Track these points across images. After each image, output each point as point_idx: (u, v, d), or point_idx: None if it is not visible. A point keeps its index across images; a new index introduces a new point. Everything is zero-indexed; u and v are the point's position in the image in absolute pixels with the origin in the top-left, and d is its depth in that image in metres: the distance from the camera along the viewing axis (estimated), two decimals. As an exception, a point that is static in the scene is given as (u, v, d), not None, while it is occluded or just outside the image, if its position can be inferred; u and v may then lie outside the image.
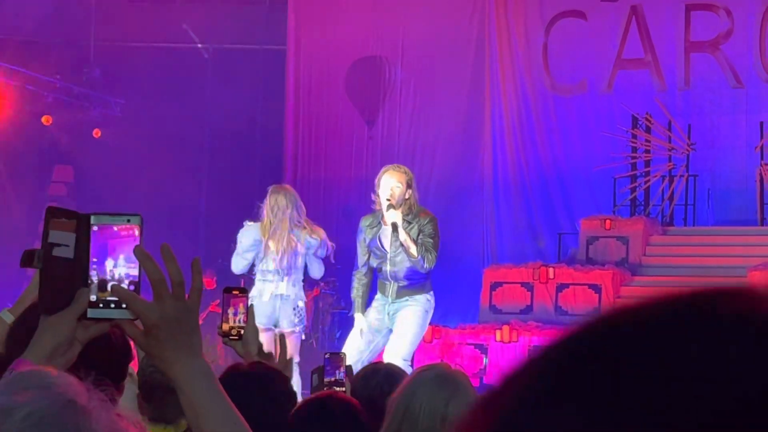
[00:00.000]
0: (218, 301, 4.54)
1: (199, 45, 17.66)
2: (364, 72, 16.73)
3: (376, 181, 9.55)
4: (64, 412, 1.48)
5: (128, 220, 2.04)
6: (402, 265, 9.42)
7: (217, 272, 13.99)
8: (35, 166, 17.11)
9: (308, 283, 15.66)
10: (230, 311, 4.18)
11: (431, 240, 9.42)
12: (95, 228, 2.03)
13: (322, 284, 15.56)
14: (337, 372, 4.87)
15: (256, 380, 3.55)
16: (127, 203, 13.35)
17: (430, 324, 12.62)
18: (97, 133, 16.70)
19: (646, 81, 15.41)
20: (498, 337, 12.25)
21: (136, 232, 2.02)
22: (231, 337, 4.16)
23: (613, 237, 13.46)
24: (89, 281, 2.01)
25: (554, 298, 12.74)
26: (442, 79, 16.32)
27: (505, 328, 12.25)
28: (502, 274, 13.19)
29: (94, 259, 2.02)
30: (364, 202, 15.76)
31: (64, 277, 2.02)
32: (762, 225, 13.80)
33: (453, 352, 12.43)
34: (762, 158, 14.17)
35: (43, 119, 16.34)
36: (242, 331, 4.14)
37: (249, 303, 4.22)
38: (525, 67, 16.02)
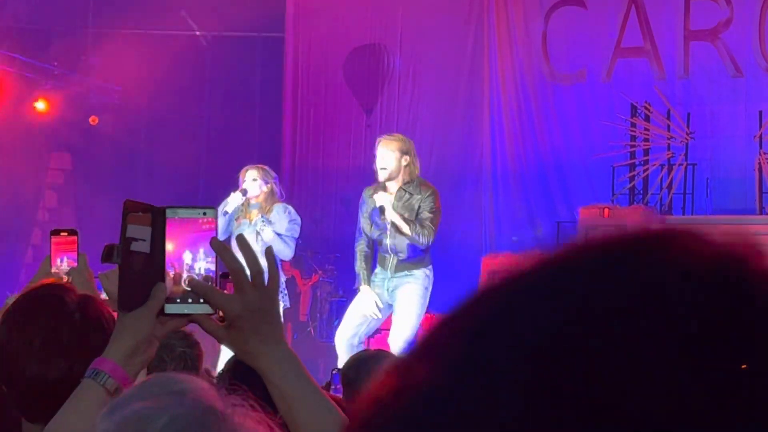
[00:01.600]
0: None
1: (197, 32, 17.61)
2: (363, 60, 16.70)
3: (374, 152, 9.52)
4: (205, 419, 1.45)
5: (204, 213, 2.00)
6: (402, 238, 9.35)
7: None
8: (33, 154, 17.07)
9: (306, 270, 15.67)
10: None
11: (430, 215, 9.32)
12: (171, 222, 1.98)
13: (320, 272, 15.56)
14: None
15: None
16: (125, 190, 13.32)
17: (427, 312, 12.63)
18: (93, 120, 16.65)
19: (646, 70, 15.38)
20: (496, 326, 12.23)
21: (212, 225, 1.99)
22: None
23: (611, 226, 13.41)
24: (166, 276, 1.97)
25: (553, 287, 12.72)
26: (441, 67, 16.28)
27: (504, 316, 12.23)
28: (501, 263, 13.11)
29: (178, 256, 1.98)
30: (361, 189, 15.73)
31: (141, 272, 1.98)
32: (761, 214, 13.78)
33: (451, 340, 12.42)
34: (761, 147, 14.15)
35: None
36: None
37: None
38: (524, 56, 15.99)
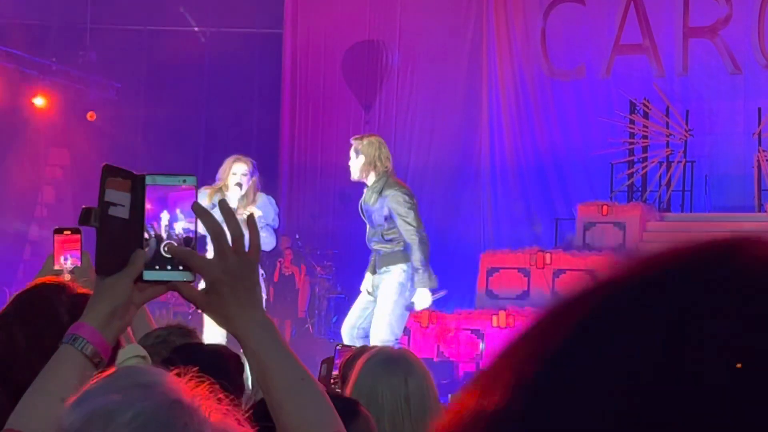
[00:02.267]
0: None
1: (196, 28, 17.60)
2: (361, 56, 16.68)
3: None
4: (171, 413, 1.44)
5: (184, 181, 2.00)
6: (378, 237, 9.55)
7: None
8: (31, 149, 17.05)
9: (308, 268, 15.65)
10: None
11: (411, 212, 9.50)
12: (151, 189, 1.99)
13: (318, 269, 15.54)
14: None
15: None
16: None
17: (426, 310, 12.62)
18: (92, 116, 16.63)
19: (645, 66, 15.37)
20: (494, 323, 12.23)
21: (192, 192, 1.99)
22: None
23: (610, 223, 13.44)
24: (145, 242, 1.98)
25: (551, 284, 12.73)
26: (440, 63, 16.27)
27: (502, 313, 12.24)
28: (499, 260, 13.17)
29: (157, 222, 1.98)
30: (359, 187, 15.74)
31: (119, 238, 1.98)
32: (759, 211, 13.78)
33: (449, 337, 12.42)
34: (760, 144, 14.15)
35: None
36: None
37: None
38: (523, 52, 15.98)
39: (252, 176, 9.49)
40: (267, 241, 9.34)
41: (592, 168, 15.11)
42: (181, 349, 3.56)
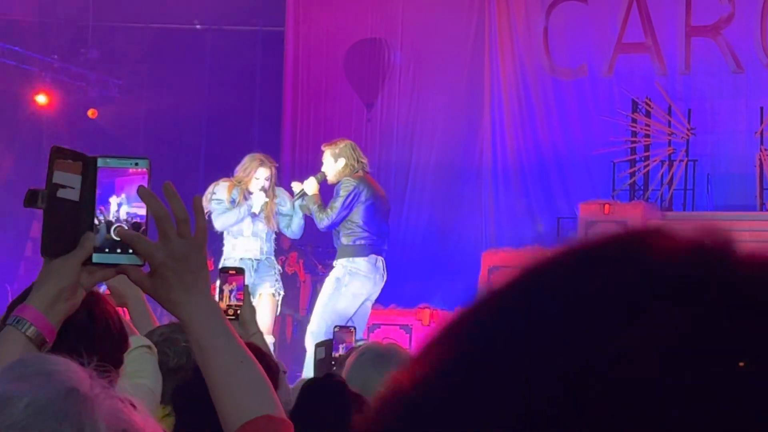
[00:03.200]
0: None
1: (198, 26, 17.59)
2: (363, 54, 16.67)
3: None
4: (66, 401, 1.44)
5: (136, 164, 1.98)
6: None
7: (215, 253, 13.95)
8: (32, 147, 17.04)
9: (308, 265, 15.65)
10: (227, 289, 4.15)
11: (336, 200, 9.80)
12: (102, 171, 1.96)
13: (320, 266, 15.54)
14: (341, 347, 4.81)
15: None
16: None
17: (428, 308, 12.62)
18: (93, 113, 16.63)
19: (647, 65, 15.36)
20: (496, 321, 12.21)
21: (144, 175, 1.97)
22: (228, 317, 4.12)
23: (611, 221, 13.42)
24: (95, 225, 1.95)
25: (553, 283, 12.71)
26: (442, 62, 16.26)
27: (504, 312, 12.22)
28: (501, 258, 13.16)
29: (108, 206, 1.96)
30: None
31: (68, 220, 1.96)
32: (762, 210, 13.77)
33: (451, 335, 12.41)
34: (762, 143, 14.14)
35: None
36: (239, 311, 4.10)
37: (245, 283, 4.19)
38: (525, 51, 15.97)
39: (274, 178, 9.68)
40: (300, 226, 9.60)
41: (593, 166, 15.10)
42: None
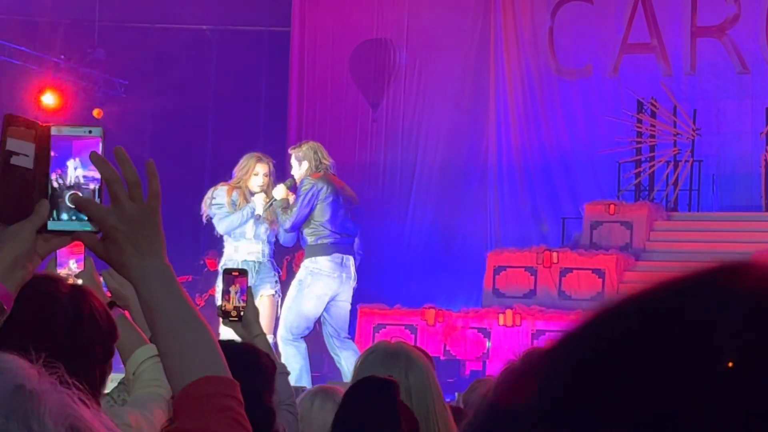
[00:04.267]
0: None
1: (204, 26, 17.61)
2: (369, 55, 16.69)
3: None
4: (13, 398, 1.45)
5: (90, 131, 2.00)
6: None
7: (220, 254, 13.96)
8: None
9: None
10: (233, 291, 4.14)
11: (297, 201, 9.76)
12: (56, 139, 1.98)
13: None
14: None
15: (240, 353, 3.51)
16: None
17: (433, 308, 12.63)
18: (99, 113, 16.66)
19: (652, 66, 15.36)
20: (501, 321, 12.23)
21: (97, 142, 1.99)
22: (231, 318, 4.12)
23: (617, 222, 13.43)
24: (49, 193, 1.96)
25: (558, 283, 12.72)
26: (447, 62, 16.27)
27: (509, 312, 12.24)
28: (506, 258, 13.17)
29: (58, 171, 1.98)
30: (367, 184, 15.77)
31: (23, 187, 1.96)
32: (767, 211, 13.77)
33: (456, 336, 12.42)
34: (767, 144, 14.14)
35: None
36: (242, 312, 4.10)
37: (249, 284, 4.18)
38: (530, 51, 15.98)
39: (272, 175, 9.69)
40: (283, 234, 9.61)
41: (599, 167, 15.11)
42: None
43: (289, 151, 10.10)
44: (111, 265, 1.95)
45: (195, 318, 1.91)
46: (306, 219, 9.51)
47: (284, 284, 9.99)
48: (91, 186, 1.97)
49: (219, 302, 4.21)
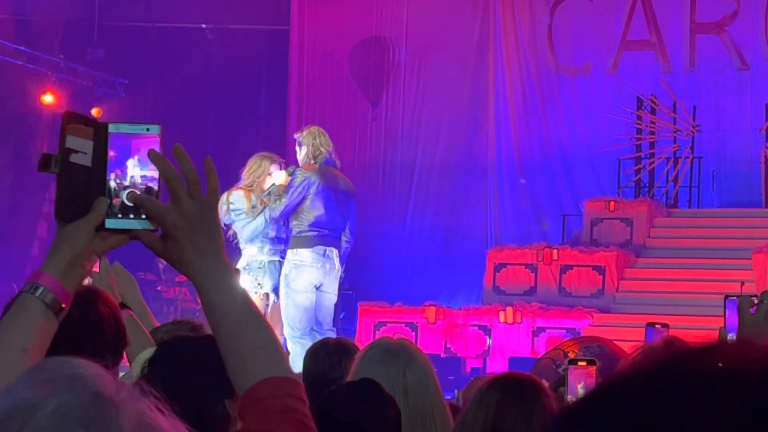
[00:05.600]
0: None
1: (203, 25, 17.61)
2: (368, 53, 16.69)
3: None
4: (91, 407, 1.44)
5: (148, 129, 1.99)
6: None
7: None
8: (38, 146, 17.08)
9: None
10: None
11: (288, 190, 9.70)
12: (114, 137, 1.97)
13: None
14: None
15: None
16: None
17: (433, 305, 12.63)
18: (99, 112, 16.65)
19: (652, 62, 15.37)
20: (502, 319, 12.24)
21: (156, 140, 1.98)
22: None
23: (617, 219, 13.43)
24: (108, 191, 1.95)
25: (558, 280, 12.73)
26: (446, 60, 16.27)
27: (509, 309, 12.24)
28: (506, 256, 13.17)
29: (117, 170, 1.96)
30: (367, 182, 15.77)
31: (81, 185, 1.95)
32: (766, 207, 13.77)
33: (456, 333, 12.43)
34: (767, 140, 14.14)
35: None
36: None
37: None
38: (529, 48, 15.98)
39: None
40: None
41: (599, 164, 15.11)
42: (169, 347, 3.55)
43: (294, 135, 10.13)
44: (170, 263, 1.94)
45: (257, 317, 1.90)
46: (295, 210, 9.51)
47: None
48: (149, 184, 1.96)
49: None
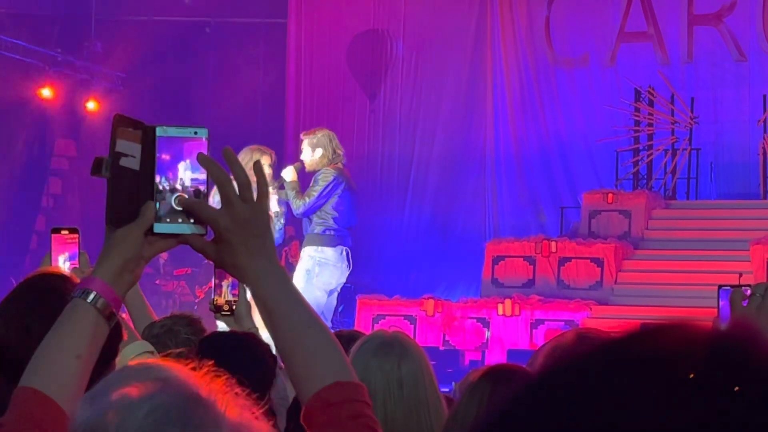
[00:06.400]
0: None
1: (201, 19, 17.60)
2: (366, 45, 16.68)
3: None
4: (187, 408, 1.43)
5: (195, 132, 1.98)
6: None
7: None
8: (37, 140, 17.08)
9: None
10: (224, 285, 4.15)
11: (313, 189, 9.83)
12: (162, 141, 1.96)
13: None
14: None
15: (238, 341, 3.51)
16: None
17: (432, 298, 12.64)
18: (96, 106, 16.65)
19: (649, 54, 15.36)
20: (500, 311, 12.25)
21: (203, 143, 1.97)
22: (223, 312, 4.12)
23: (615, 211, 13.44)
24: (156, 195, 1.94)
25: (556, 272, 12.74)
26: (444, 52, 16.27)
27: (507, 301, 12.25)
28: (504, 248, 13.17)
29: (168, 174, 1.95)
30: (365, 176, 15.76)
31: (130, 189, 1.94)
32: (764, 198, 13.79)
33: (455, 326, 12.44)
34: (765, 131, 14.15)
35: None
36: (234, 306, 4.10)
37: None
38: (527, 41, 15.97)
39: (275, 166, 9.77)
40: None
41: (597, 156, 15.12)
42: (212, 338, 3.56)
43: (302, 136, 10.16)
44: (223, 267, 1.92)
45: (316, 321, 1.88)
46: (320, 208, 9.62)
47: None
48: (199, 187, 1.94)
49: (212, 296, 4.22)
